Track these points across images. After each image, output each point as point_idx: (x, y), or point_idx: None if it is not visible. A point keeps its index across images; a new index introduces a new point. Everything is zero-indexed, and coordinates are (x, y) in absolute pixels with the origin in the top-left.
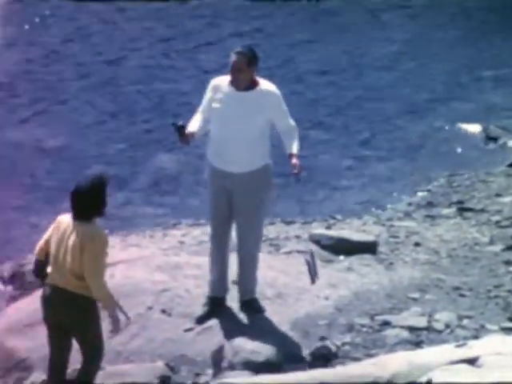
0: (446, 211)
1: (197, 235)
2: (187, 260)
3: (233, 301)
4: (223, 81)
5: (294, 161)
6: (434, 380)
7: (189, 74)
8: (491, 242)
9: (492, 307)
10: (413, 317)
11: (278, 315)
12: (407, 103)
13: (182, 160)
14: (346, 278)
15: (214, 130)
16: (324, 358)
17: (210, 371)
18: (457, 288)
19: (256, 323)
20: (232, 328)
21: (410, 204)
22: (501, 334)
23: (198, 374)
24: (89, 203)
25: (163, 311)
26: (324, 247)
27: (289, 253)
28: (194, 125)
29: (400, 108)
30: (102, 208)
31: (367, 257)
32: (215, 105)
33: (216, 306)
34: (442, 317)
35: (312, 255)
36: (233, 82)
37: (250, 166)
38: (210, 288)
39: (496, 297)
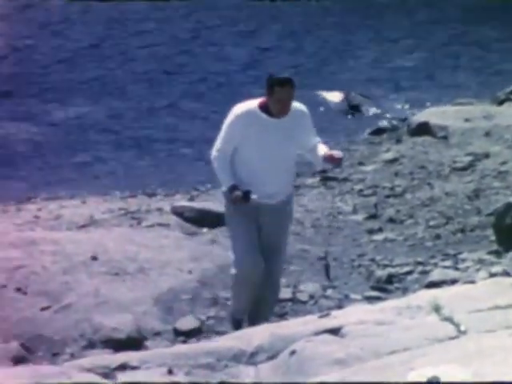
0: (309, 181)
1: (53, 209)
2: (43, 235)
3: (93, 278)
4: (251, 109)
5: (330, 152)
6: (298, 351)
7: None
8: (354, 211)
9: (355, 276)
10: None
11: (140, 290)
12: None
13: (36, 131)
14: (210, 251)
15: (249, 162)
16: (188, 332)
17: (68, 350)
18: (321, 258)
19: (117, 299)
20: (91, 305)
21: None
22: (364, 302)
23: (55, 354)
24: None
25: (18, 289)
26: (187, 219)
27: (151, 226)
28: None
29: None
30: None
31: None
32: (251, 134)
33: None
34: (307, 287)
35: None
36: (281, 112)
37: (285, 194)
38: (234, 314)
39: (359, 266)
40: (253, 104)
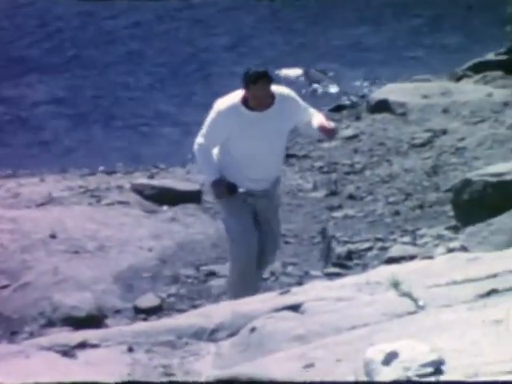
0: None
1: (11, 187)
2: (1, 213)
3: (52, 256)
4: (233, 104)
5: (322, 123)
6: (259, 327)
7: None
8: (314, 188)
9: (316, 253)
10: None
11: (99, 268)
12: (224, 50)
13: None
14: (171, 229)
15: (236, 154)
16: (149, 310)
17: (27, 329)
18: (281, 235)
19: (76, 278)
20: (50, 283)
21: None
22: (324, 279)
23: (14, 333)
24: None
25: None
26: (147, 197)
27: (110, 204)
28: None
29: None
30: None
31: (192, 206)
32: (235, 130)
33: None
34: None
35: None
36: (259, 107)
37: (275, 178)
38: None
39: (319, 243)
40: (235, 98)
